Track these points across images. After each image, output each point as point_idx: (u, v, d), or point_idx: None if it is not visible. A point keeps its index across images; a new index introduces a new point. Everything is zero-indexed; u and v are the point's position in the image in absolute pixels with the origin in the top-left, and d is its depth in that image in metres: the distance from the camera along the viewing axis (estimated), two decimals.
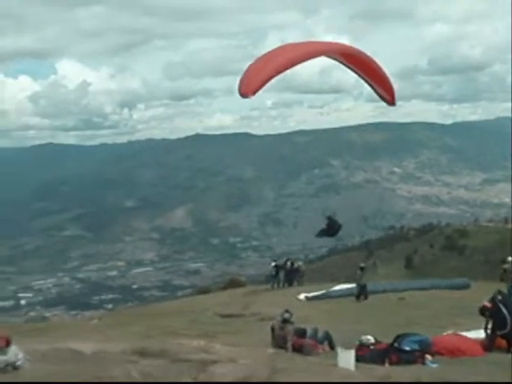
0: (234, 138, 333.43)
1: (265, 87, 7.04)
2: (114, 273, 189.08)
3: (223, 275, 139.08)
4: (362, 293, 21.98)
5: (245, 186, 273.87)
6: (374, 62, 7.81)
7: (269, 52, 7.46)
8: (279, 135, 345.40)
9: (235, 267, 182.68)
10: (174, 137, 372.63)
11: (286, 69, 7.23)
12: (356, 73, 8.16)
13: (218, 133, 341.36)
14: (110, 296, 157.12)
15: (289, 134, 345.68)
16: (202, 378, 6.49)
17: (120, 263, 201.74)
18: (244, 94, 6.85)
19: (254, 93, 6.94)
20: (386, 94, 8.08)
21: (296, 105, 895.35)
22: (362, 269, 23.05)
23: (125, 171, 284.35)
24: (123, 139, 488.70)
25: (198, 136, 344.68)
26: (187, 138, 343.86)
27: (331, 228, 20.29)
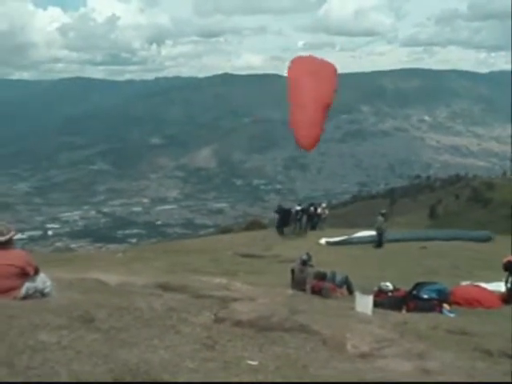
0: (263, 78, 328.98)
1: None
2: (139, 209, 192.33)
3: (245, 216, 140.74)
4: (379, 240, 21.92)
5: (271, 128, 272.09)
6: None
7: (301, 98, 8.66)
8: None
9: (257, 209, 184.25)
10: (201, 75, 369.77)
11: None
12: None
13: (246, 73, 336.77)
14: (135, 231, 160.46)
15: None
16: (223, 313, 6.65)
17: (144, 200, 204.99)
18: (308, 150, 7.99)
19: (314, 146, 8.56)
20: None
21: (328, 47, 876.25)
22: (382, 215, 22.78)
23: (151, 108, 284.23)
24: (151, 76, 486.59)
25: (226, 75, 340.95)
26: (215, 76, 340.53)
27: (284, 216, 22.04)
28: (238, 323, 6.25)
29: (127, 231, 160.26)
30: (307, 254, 12.35)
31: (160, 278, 10.00)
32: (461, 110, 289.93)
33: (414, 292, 11.13)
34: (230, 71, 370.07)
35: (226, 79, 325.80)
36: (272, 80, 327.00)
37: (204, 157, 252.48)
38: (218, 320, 6.39)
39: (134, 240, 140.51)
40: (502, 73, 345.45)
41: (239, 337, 5.62)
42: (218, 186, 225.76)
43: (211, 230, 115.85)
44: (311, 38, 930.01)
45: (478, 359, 5.82)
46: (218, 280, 10.49)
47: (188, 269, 14.88)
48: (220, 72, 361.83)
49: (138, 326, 5.58)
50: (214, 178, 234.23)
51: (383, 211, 23.72)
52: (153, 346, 4.92)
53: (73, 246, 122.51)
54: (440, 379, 4.83)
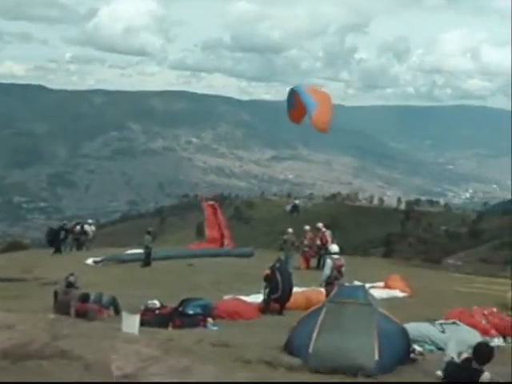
0: (26, 89, 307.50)
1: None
2: None
3: (4, 237, 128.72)
4: (146, 258, 21.89)
5: (35, 142, 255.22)
6: None
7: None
8: (76, 92, 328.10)
9: (19, 229, 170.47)
10: None
11: None
12: None
13: (7, 81, 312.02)
14: None
15: (87, 91, 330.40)
16: None
17: None
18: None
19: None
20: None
21: (97, 62, 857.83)
22: (149, 233, 22.90)
23: None
24: None
25: None
26: None
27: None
28: None
29: None
30: (73, 275, 11.82)
31: None
32: (225, 133, 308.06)
33: (180, 308, 11.40)
34: None
35: None
36: (36, 91, 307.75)
37: None
38: None
39: None
40: (260, 101, 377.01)
41: None
42: None
43: None
44: (79, 51, 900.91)
45: (237, 368, 6.21)
46: None
47: None
48: None
49: None
50: None
51: (150, 229, 23.86)
52: None
53: None
54: None
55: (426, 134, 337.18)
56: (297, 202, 34.36)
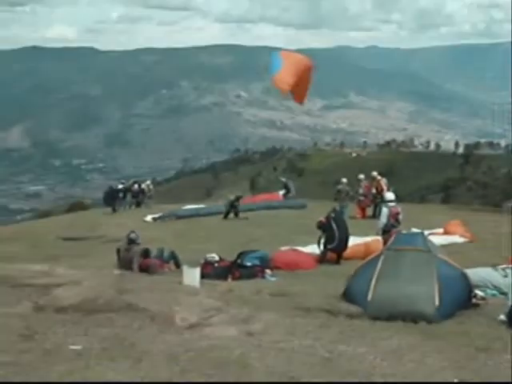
0: (78, 52, 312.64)
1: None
2: None
3: (66, 198, 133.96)
4: (231, 211, 22.18)
5: (90, 104, 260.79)
6: None
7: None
8: (126, 52, 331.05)
9: (79, 190, 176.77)
10: (7, 47, 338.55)
11: None
12: None
13: (59, 46, 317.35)
14: None
15: (136, 51, 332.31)
16: (44, 301, 6.33)
17: None
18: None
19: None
20: None
21: (144, 20, 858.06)
22: (238, 198, 22.97)
23: None
24: None
25: (36, 48, 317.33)
26: (23, 49, 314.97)
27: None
28: (61, 309, 6.01)
29: None
30: (134, 232, 12.19)
31: None
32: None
33: (239, 261, 11.61)
34: (40, 44, 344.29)
35: (36, 52, 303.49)
36: (87, 53, 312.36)
37: (16, 136, 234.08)
38: (39, 308, 6.07)
39: None
40: (308, 50, 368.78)
41: (61, 323, 5.41)
42: (34, 168, 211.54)
43: (29, 214, 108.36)
44: (126, 10, 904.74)
45: (297, 316, 6.31)
46: (38, 267, 9.90)
47: (4, 257, 13.77)
48: (28, 44, 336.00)
49: None
50: (29, 159, 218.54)
51: (240, 195, 24.02)
52: None
53: None
54: (263, 339, 5.15)
55: (484, 74, 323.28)
56: (283, 179, 30.67)
